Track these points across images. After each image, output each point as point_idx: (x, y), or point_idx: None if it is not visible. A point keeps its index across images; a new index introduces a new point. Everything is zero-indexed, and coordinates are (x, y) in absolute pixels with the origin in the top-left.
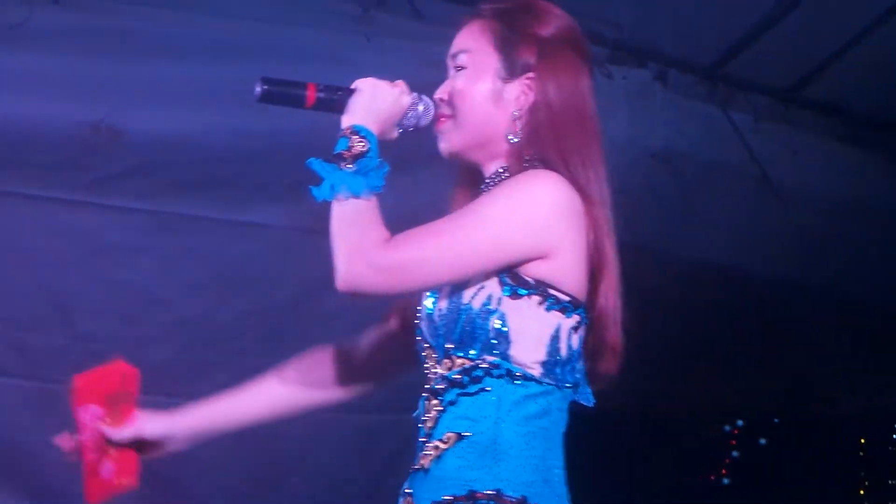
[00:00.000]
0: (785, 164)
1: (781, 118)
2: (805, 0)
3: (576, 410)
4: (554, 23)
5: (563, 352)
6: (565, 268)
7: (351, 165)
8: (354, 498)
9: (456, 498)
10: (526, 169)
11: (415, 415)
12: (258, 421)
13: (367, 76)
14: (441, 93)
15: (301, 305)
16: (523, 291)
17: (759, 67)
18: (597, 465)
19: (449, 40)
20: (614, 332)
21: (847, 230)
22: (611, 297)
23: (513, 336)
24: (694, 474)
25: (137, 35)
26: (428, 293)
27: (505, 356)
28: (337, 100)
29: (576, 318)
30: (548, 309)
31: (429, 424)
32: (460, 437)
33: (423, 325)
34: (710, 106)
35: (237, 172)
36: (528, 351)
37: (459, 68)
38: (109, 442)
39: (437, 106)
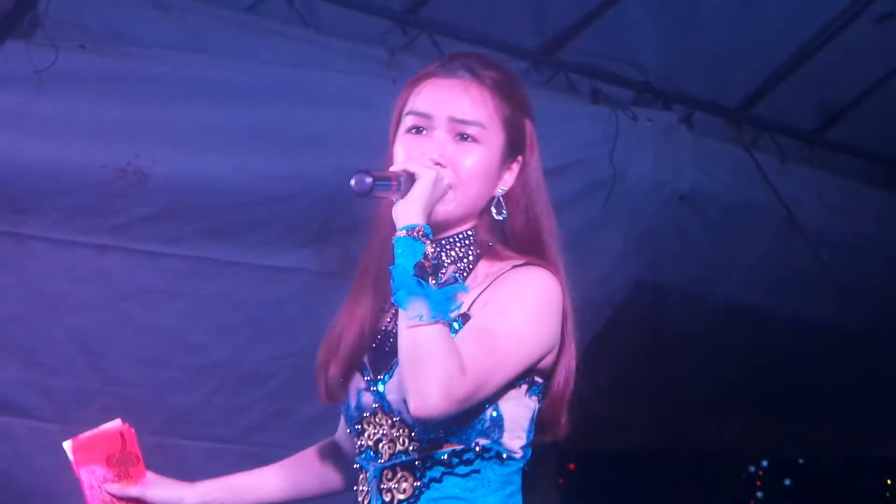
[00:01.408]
0: (811, 206)
1: (807, 160)
2: (830, 43)
3: (606, 451)
4: (529, 101)
5: (533, 433)
6: (552, 358)
7: (435, 282)
8: None
9: None
10: (493, 241)
11: (369, 480)
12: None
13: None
14: (440, 158)
15: None
16: (518, 382)
17: (784, 109)
18: None
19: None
20: (565, 415)
21: (873, 272)
22: (568, 379)
23: (507, 425)
24: None
25: (164, 79)
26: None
27: (497, 441)
28: (404, 185)
29: (540, 399)
30: (530, 395)
31: (399, 496)
32: None
33: (401, 403)
34: (736, 148)
35: (265, 216)
36: (516, 437)
37: (468, 138)
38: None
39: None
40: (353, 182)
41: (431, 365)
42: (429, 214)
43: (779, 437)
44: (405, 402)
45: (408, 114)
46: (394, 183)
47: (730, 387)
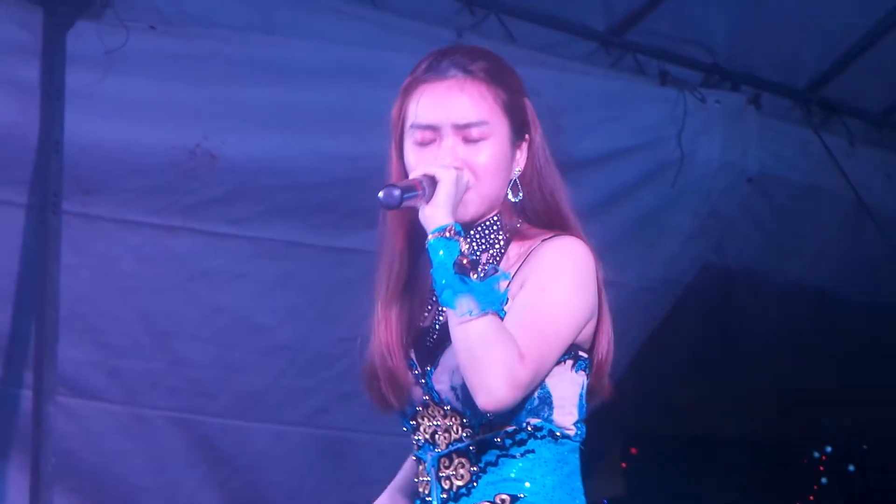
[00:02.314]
0: (879, 188)
1: (876, 142)
2: None
3: (669, 436)
4: (522, 82)
5: (585, 409)
6: (592, 327)
7: (477, 276)
8: None
9: None
10: (519, 222)
11: (428, 470)
12: None
13: None
14: (455, 162)
15: None
16: (562, 358)
17: (853, 91)
18: (687, 489)
19: (540, 64)
20: (608, 379)
21: None
22: (610, 345)
23: (555, 402)
24: (783, 500)
25: (232, 59)
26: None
27: (548, 419)
28: (427, 190)
29: (587, 373)
30: (576, 371)
31: (457, 482)
32: (515, 498)
33: (449, 392)
34: (804, 130)
35: (333, 197)
36: (567, 413)
37: (477, 137)
38: None
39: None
40: (381, 195)
41: (490, 358)
42: (455, 212)
43: (844, 422)
44: (453, 389)
45: (412, 127)
46: (419, 190)
47: (796, 371)
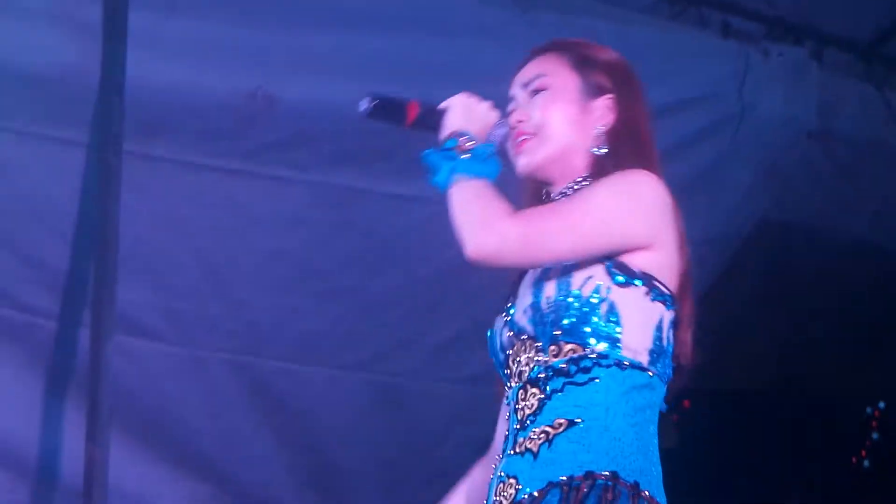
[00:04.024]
0: None
1: None
2: None
3: (722, 390)
4: (614, 53)
5: (664, 342)
6: (665, 262)
7: (467, 154)
8: None
9: (573, 478)
10: (612, 166)
11: (506, 402)
12: None
13: (521, 51)
14: (520, 115)
15: (452, 279)
16: (631, 280)
17: None
18: (738, 443)
19: (601, 16)
20: (690, 333)
21: None
22: (690, 300)
23: (623, 322)
24: (835, 456)
25: (294, 3)
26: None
27: (615, 343)
28: (434, 119)
29: (673, 312)
30: (652, 299)
31: (527, 412)
32: (572, 423)
33: (523, 317)
34: (866, 85)
35: (392, 144)
36: (637, 338)
37: (537, 91)
38: None
39: (513, 128)
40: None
41: (469, 211)
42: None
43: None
44: (525, 312)
45: None
46: (410, 112)
47: (851, 326)
